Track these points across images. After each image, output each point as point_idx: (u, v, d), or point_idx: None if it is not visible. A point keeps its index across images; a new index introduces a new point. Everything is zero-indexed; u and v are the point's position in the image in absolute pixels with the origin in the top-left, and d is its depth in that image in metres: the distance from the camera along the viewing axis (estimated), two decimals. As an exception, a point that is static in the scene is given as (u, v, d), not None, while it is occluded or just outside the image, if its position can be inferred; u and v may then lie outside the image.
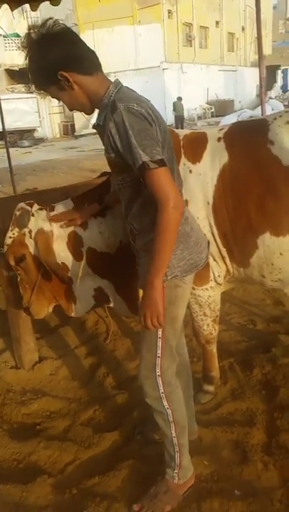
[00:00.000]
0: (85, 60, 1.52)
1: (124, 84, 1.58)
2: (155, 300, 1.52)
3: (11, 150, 8.62)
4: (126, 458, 2.08)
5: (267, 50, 32.78)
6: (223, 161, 2.02)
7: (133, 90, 1.56)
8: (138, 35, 26.13)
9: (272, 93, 28.71)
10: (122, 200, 1.69)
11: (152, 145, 1.43)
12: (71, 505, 1.86)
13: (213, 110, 27.52)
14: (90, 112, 1.61)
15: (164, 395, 1.72)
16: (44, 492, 1.92)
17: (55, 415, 2.47)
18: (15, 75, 22.61)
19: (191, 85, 26.34)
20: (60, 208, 2.20)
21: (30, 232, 2.16)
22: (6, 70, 21.65)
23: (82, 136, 22.74)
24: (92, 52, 1.54)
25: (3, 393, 2.61)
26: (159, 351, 1.67)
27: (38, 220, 2.16)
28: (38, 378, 2.76)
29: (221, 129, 2.15)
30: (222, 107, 27.00)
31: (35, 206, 2.19)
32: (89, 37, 25.45)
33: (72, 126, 24.27)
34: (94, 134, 20.28)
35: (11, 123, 13.01)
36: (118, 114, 1.44)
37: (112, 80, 1.57)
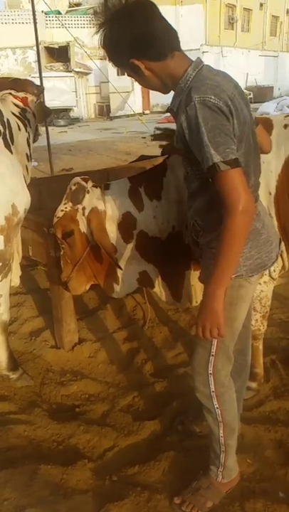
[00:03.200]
0: (159, 44, 1.39)
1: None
2: (216, 311, 1.41)
3: (46, 129, 8.59)
4: (166, 449, 2.04)
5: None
6: (290, 150, 1.91)
7: (215, 72, 1.41)
8: (179, 15, 25.52)
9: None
10: (188, 189, 1.58)
11: (226, 143, 1.30)
12: (111, 492, 1.84)
13: (251, 96, 26.69)
14: (166, 93, 1.52)
15: (214, 394, 1.65)
16: (84, 476, 1.91)
17: (94, 399, 2.45)
18: (54, 53, 22.49)
19: (231, 70, 25.42)
20: (115, 187, 2.15)
21: (83, 209, 2.13)
22: (45, 47, 21.50)
23: (117, 117, 22.56)
24: (169, 31, 1.41)
25: (43, 372, 2.62)
26: (213, 349, 1.59)
27: (93, 198, 2.12)
28: (77, 360, 2.75)
29: (287, 116, 2.03)
30: (261, 94, 26.23)
31: (90, 183, 2.15)
32: (130, 16, 25.01)
33: (108, 107, 24.08)
34: (128, 116, 20.20)
35: (49, 101, 12.91)
36: (192, 107, 1.31)
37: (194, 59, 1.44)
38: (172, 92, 1.50)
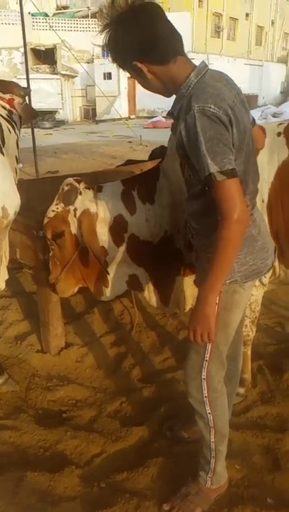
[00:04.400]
0: (163, 48, 1.38)
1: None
2: (208, 316, 1.43)
3: (32, 131, 8.53)
4: (155, 455, 2.03)
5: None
6: (282, 157, 1.94)
7: (218, 78, 1.40)
8: (167, 22, 25.71)
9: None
10: (188, 192, 1.58)
11: (224, 153, 1.30)
12: (100, 498, 1.81)
13: (236, 104, 27.08)
14: (168, 96, 1.51)
15: (207, 400, 1.65)
16: (72, 483, 1.88)
17: (81, 404, 2.42)
18: (41, 55, 22.35)
19: (216, 77, 25.91)
20: (108, 190, 2.14)
21: (75, 210, 2.11)
22: (32, 49, 21.32)
23: (102, 121, 22.55)
24: (173, 35, 1.40)
25: (29, 377, 2.58)
26: (207, 355, 1.59)
27: (85, 200, 2.11)
28: (63, 364, 2.71)
29: (280, 124, 2.06)
30: (246, 102, 26.58)
31: (83, 184, 2.13)
32: (117, 21, 25.08)
33: (94, 110, 24.04)
34: (114, 120, 20.21)
35: (34, 103, 12.79)
36: (191, 115, 1.30)
37: (197, 64, 1.43)
38: (164, 96, 1.51)
